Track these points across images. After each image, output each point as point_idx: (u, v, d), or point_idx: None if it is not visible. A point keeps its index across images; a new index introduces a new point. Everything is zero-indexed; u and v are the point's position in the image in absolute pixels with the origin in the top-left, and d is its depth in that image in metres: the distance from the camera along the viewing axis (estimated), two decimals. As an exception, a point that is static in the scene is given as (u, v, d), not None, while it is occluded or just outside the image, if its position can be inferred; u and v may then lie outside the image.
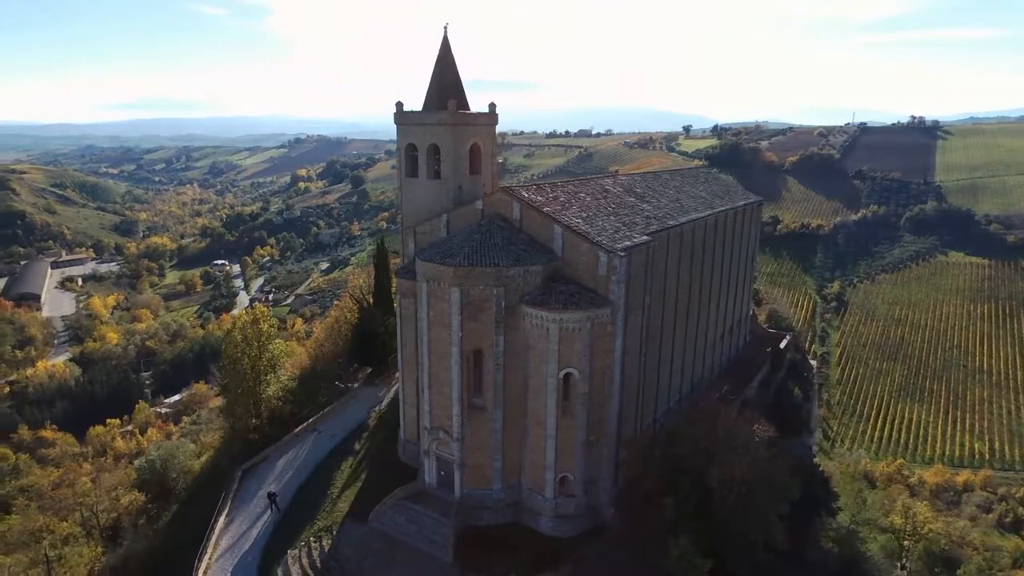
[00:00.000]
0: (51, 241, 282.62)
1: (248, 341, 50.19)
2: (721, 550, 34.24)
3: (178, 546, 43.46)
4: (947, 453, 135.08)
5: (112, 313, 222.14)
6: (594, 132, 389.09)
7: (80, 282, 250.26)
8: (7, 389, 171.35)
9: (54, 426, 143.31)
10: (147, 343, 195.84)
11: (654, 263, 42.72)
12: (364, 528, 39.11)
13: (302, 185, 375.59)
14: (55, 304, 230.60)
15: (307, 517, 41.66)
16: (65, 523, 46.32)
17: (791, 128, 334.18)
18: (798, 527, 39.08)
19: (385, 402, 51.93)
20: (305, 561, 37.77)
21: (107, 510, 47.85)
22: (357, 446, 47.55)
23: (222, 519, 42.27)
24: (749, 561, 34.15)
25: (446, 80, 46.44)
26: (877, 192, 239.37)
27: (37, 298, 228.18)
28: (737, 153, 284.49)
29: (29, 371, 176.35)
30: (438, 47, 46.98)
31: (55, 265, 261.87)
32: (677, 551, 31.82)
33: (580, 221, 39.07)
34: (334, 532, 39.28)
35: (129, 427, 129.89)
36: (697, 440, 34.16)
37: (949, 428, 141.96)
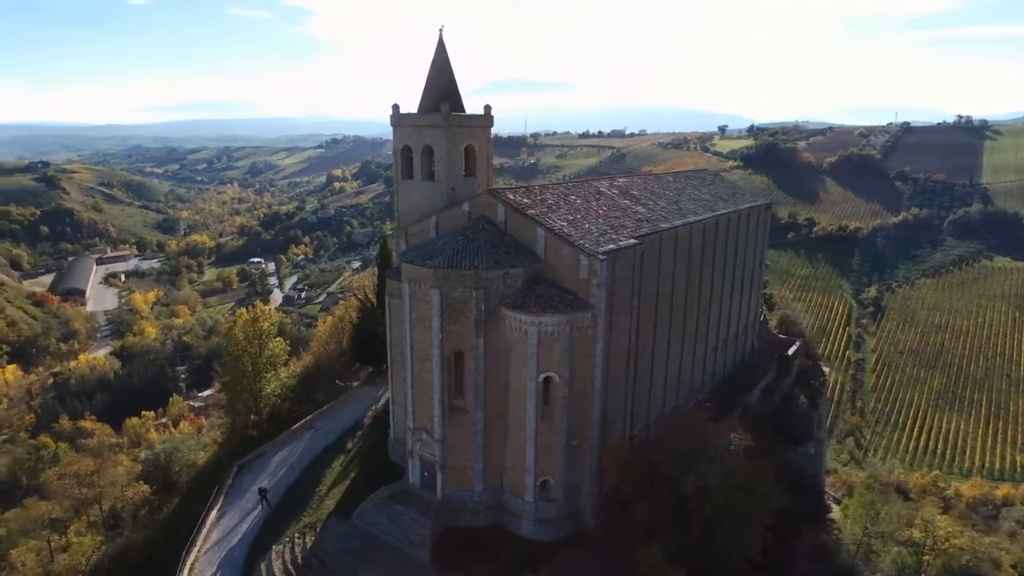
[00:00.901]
0: (97, 238, 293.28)
1: (249, 339, 51.33)
2: (699, 560, 33.58)
3: (176, 537, 44.54)
4: (986, 466, 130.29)
5: (152, 308, 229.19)
6: (627, 132, 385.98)
7: (123, 278, 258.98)
8: (51, 380, 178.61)
9: (93, 417, 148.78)
10: (183, 338, 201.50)
11: (644, 266, 42.14)
12: (347, 526, 39.58)
13: (337, 185, 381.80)
14: (99, 299, 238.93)
15: (295, 513, 42.39)
16: (65, 511, 48.23)
17: (830, 128, 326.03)
18: (786, 538, 38.07)
19: (382, 402, 52.43)
20: (288, 557, 38.40)
21: (111, 500, 49.45)
22: (350, 445, 48.15)
23: (214, 513, 43.26)
24: (727, 572, 33.44)
25: (441, 82, 46.62)
26: (919, 194, 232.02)
27: (82, 293, 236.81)
28: (773, 153, 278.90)
29: (72, 364, 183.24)
30: (433, 49, 47.21)
31: (100, 261, 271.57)
32: (649, 559, 31.34)
33: (565, 224, 38.81)
34: (318, 529, 39.84)
35: (163, 420, 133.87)
36: (674, 447, 33.61)
37: (989, 440, 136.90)
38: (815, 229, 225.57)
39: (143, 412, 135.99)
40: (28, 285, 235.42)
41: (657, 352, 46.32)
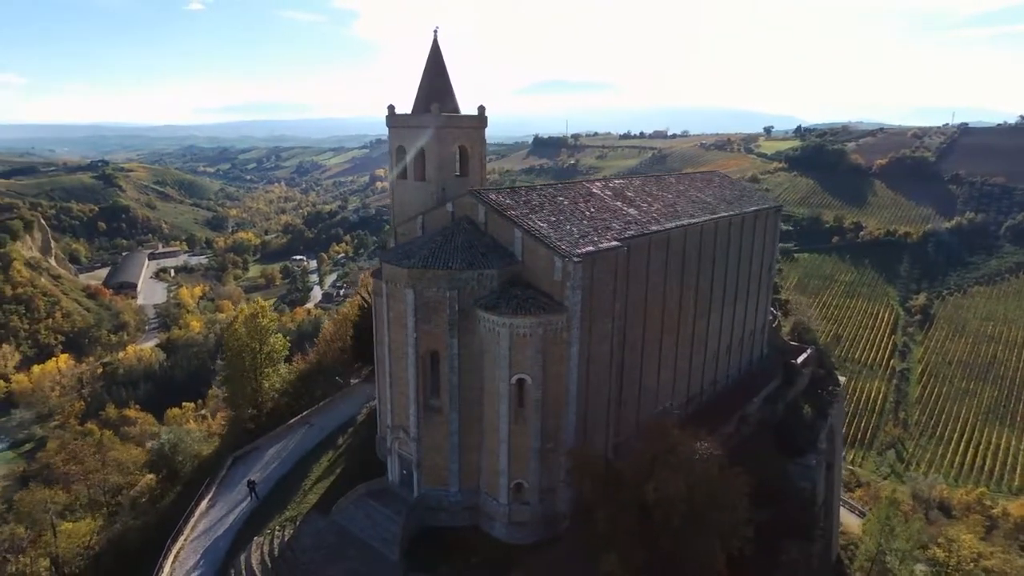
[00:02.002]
0: (150, 234, 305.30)
1: (251, 335, 52.59)
2: (669, 573, 32.78)
3: (172, 525, 45.87)
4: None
5: (198, 303, 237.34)
6: (669, 133, 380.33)
7: (172, 273, 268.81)
8: (100, 370, 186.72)
9: (137, 406, 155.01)
10: (225, 332, 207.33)
11: (630, 269, 41.49)
12: (326, 521, 40.14)
13: (379, 184, 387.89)
14: (149, 293, 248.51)
15: (280, 506, 43.24)
16: (68, 495, 50.44)
17: (882, 129, 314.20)
18: (766, 552, 36.82)
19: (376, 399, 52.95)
20: (266, 549, 39.18)
21: (115, 487, 51.49)
22: (340, 441, 48.81)
23: (204, 503, 44.50)
24: (694, 585, 32.53)
25: (435, 83, 46.87)
26: (975, 198, 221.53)
27: (134, 287, 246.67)
28: (820, 155, 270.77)
29: (120, 354, 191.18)
30: (428, 51, 47.48)
31: (152, 257, 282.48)
32: (606, 568, 30.77)
33: (545, 225, 38.46)
34: (297, 523, 40.51)
35: (203, 411, 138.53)
36: (640, 454, 32.93)
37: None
38: (862, 233, 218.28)
39: (184, 403, 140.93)
40: (84, 278, 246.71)
41: (648, 357, 45.48)
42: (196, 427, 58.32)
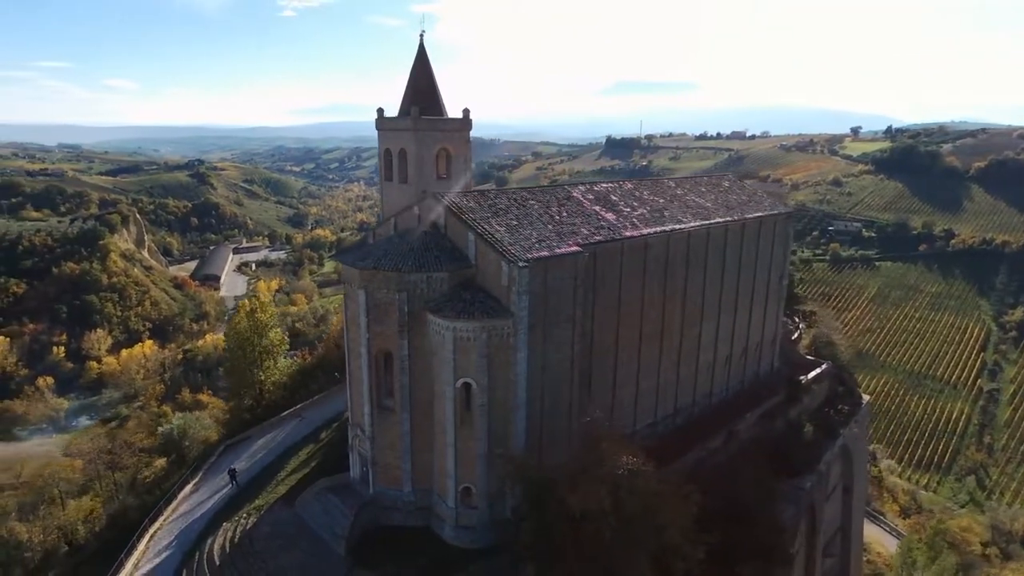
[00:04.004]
0: (236, 230, 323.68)
1: (251, 329, 55.01)
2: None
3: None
4: None
5: (274, 296, 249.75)
6: (748, 134, 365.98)
7: (253, 267, 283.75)
8: (181, 356, 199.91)
9: (209, 391, 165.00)
10: (296, 325, 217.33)
11: (599, 275, 40.52)
12: (289, 512, 41.47)
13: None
14: (231, 285, 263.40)
15: (255, 495, 44.97)
16: (76, 472, 54.53)
17: (983, 129, 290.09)
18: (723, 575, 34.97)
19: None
20: (229, 535, 40.88)
21: (126, 467, 55.20)
22: (324, 435, 50.19)
23: (188, 487, 46.94)
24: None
25: (420, 86, 47.52)
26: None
27: (217, 279, 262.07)
28: (910, 157, 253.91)
29: (199, 343, 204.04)
30: (415, 55, 48.10)
31: (236, 251, 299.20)
32: (524, 579, 30.19)
33: (502, 229, 38.13)
34: (262, 512, 42.04)
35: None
36: (570, 464, 32.05)
37: None
38: (953, 241, 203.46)
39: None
40: (174, 270, 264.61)
41: (623, 367, 44.20)
42: (206, 415, 62.02)
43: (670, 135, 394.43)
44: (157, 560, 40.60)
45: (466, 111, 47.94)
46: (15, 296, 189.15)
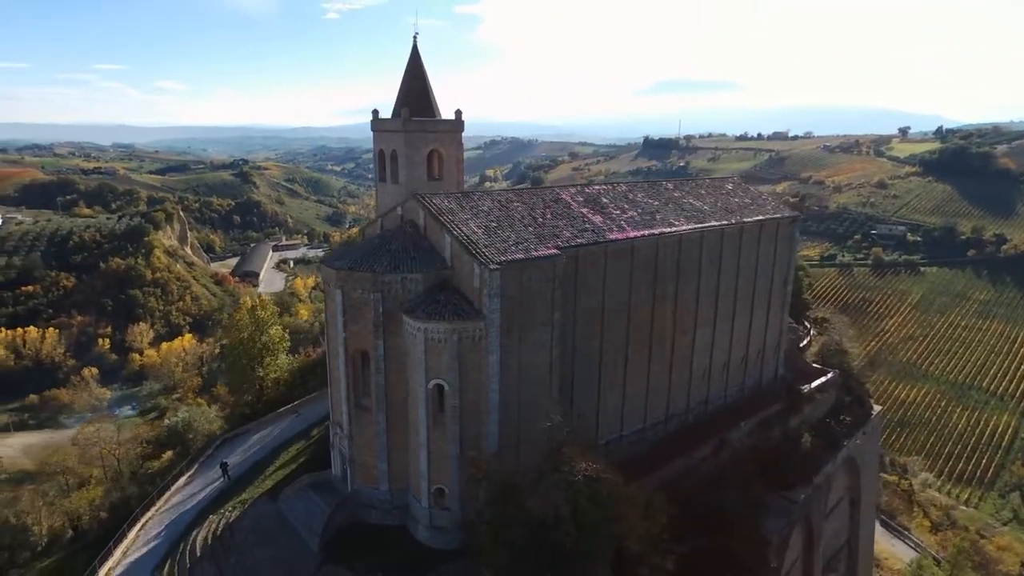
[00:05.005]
0: (276, 228, 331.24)
1: (252, 326, 56.17)
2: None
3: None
4: None
5: (309, 293, 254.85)
6: (791, 135, 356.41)
7: (291, 264, 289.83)
8: (218, 350, 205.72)
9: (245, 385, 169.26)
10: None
11: (580, 278, 40.08)
12: (272, 507, 42.19)
13: (487, 184, 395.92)
14: (269, 282, 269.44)
15: (243, 489, 45.90)
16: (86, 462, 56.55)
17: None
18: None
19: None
20: (214, 527, 41.84)
21: (130, 459, 57.10)
22: (315, 431, 50.90)
23: (182, 479, 48.20)
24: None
25: (412, 88, 47.67)
26: None
27: (256, 276, 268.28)
28: (961, 159, 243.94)
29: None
30: (408, 56, 48.32)
31: (275, 248, 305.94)
32: (479, 583, 30.02)
33: (480, 231, 38.03)
34: (246, 506, 42.87)
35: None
36: (532, 468, 31.74)
37: None
38: (1004, 247, 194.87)
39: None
40: (216, 266, 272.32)
41: (608, 372, 43.59)
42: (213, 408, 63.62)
43: (709, 135, 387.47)
44: (145, 549, 41.85)
45: (458, 112, 47.93)
46: (65, 290, 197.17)
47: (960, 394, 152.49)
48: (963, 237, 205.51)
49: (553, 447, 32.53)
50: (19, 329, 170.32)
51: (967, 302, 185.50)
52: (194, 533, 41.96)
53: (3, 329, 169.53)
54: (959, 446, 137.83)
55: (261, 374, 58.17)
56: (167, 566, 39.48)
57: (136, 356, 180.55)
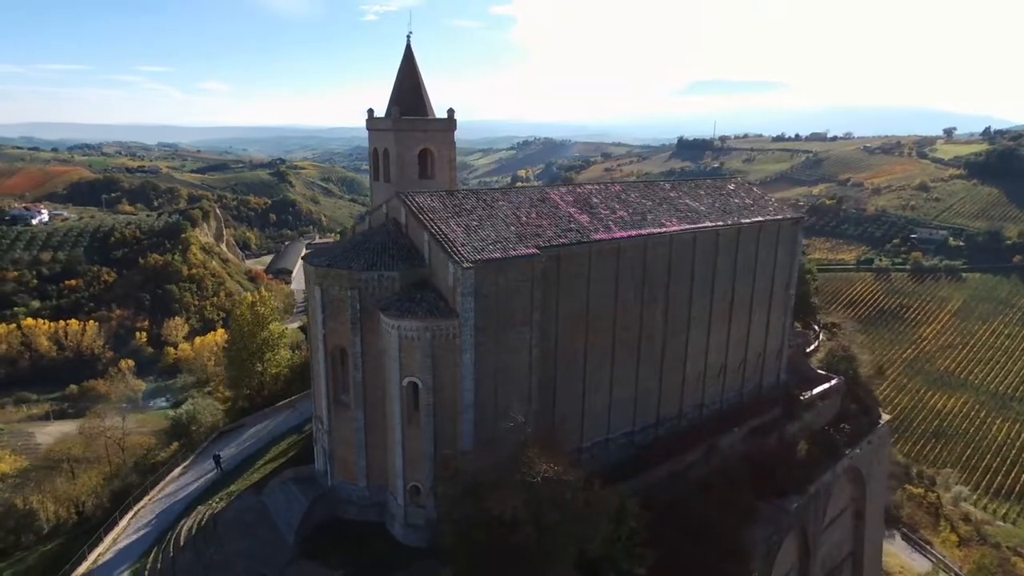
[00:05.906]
0: (311, 226, 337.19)
1: (253, 321, 57.19)
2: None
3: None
4: None
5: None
6: (830, 136, 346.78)
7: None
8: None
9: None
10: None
11: (561, 278, 39.66)
12: (256, 500, 42.81)
13: (519, 184, 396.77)
14: (301, 279, 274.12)
15: (232, 481, 46.71)
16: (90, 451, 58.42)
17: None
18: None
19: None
20: (200, 518, 42.65)
21: (133, 448, 58.71)
22: (308, 426, 51.44)
23: (177, 470, 49.27)
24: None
25: (405, 87, 48.04)
26: None
27: (289, 273, 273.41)
28: (1009, 161, 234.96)
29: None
30: (401, 56, 48.60)
31: (309, 246, 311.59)
32: (438, 583, 29.88)
33: (460, 230, 37.92)
34: (232, 498, 43.60)
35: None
36: (496, 468, 31.45)
37: None
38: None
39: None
40: (251, 263, 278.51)
41: (593, 374, 43.02)
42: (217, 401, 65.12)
43: (745, 136, 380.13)
44: (135, 536, 42.91)
45: (450, 111, 48.07)
46: (106, 284, 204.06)
47: (1001, 405, 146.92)
48: (1008, 242, 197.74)
49: (515, 448, 32.18)
50: (62, 321, 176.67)
51: (1011, 309, 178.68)
52: (181, 523, 42.84)
53: (47, 321, 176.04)
54: (998, 459, 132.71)
55: (260, 369, 59.26)
56: (152, 554, 40.39)
57: (171, 350, 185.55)
